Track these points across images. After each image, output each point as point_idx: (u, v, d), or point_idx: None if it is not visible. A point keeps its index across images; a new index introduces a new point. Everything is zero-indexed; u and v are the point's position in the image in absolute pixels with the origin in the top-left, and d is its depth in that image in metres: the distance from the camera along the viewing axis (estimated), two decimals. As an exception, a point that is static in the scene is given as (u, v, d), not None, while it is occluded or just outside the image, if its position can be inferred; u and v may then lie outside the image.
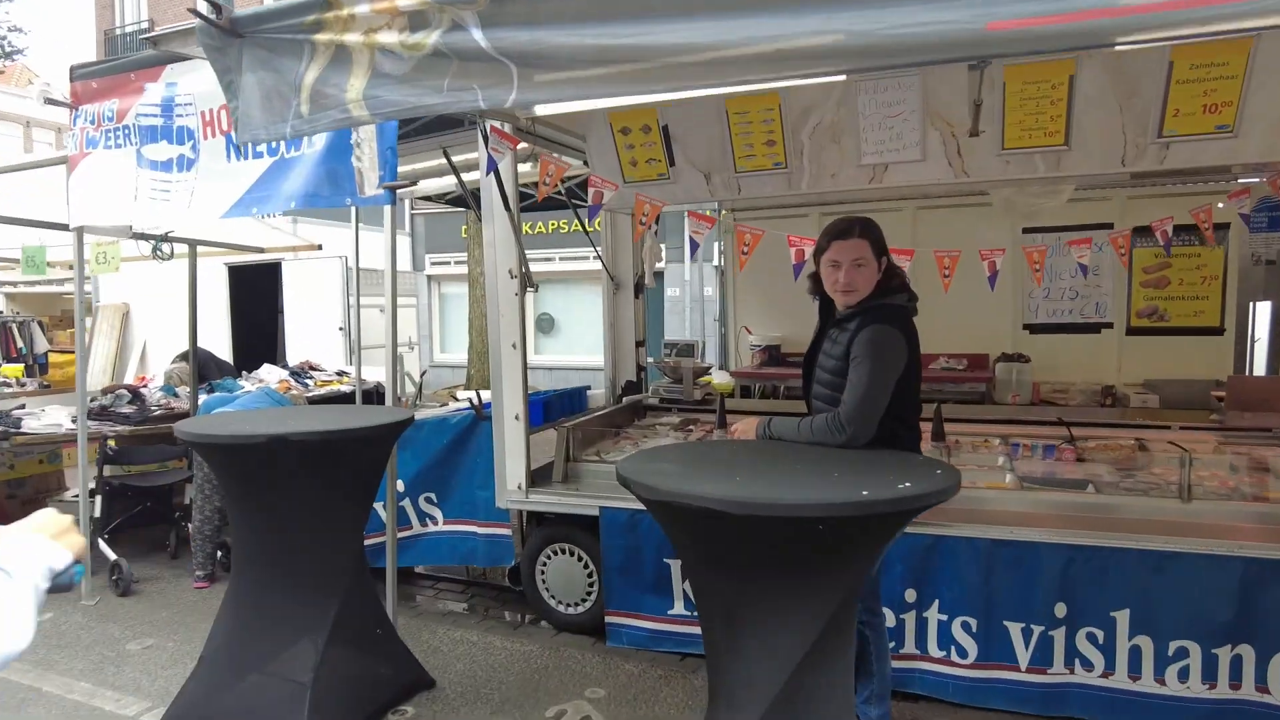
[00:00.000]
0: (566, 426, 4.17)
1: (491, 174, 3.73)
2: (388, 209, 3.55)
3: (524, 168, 4.78)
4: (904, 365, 2.45)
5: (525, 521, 4.29)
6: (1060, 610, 3.15)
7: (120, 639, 4.08)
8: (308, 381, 7.24)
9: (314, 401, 6.87)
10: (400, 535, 4.61)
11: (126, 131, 4.21)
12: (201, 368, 7.71)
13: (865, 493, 1.72)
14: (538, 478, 4.10)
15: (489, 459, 4.24)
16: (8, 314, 13.20)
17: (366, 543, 4.58)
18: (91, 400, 5.80)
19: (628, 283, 5.49)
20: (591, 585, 4.02)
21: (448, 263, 15.63)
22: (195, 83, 3.92)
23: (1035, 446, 4.12)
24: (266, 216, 8.71)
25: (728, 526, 1.74)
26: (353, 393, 6.68)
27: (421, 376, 8.18)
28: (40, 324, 12.23)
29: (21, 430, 4.85)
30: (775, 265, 7.12)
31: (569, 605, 4.10)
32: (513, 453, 4.05)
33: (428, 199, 6.69)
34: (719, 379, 5.93)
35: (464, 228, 14.81)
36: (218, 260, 8.82)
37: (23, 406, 5.40)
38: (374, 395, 8.01)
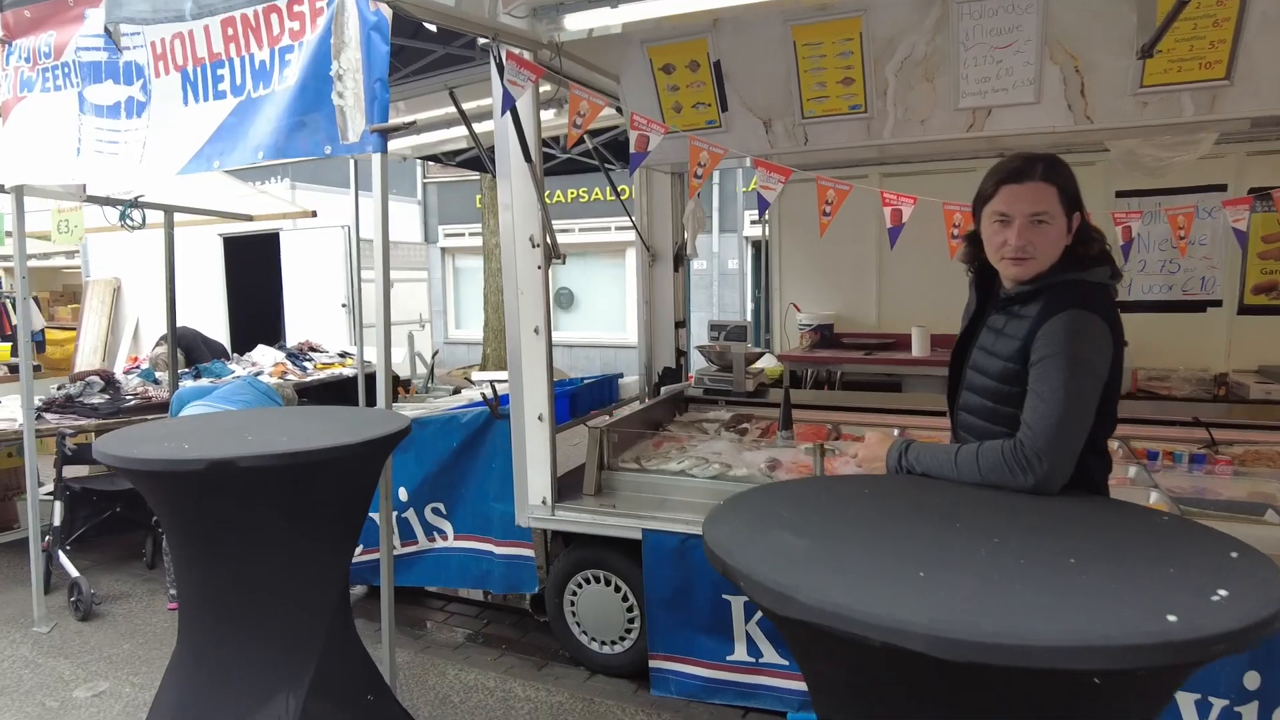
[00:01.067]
0: (600, 428, 3.44)
1: (508, 113, 2.96)
2: (376, 159, 2.79)
3: (546, 116, 4.01)
4: (1109, 368, 1.69)
5: (550, 541, 3.58)
6: (1252, 681, 2.41)
7: (69, 681, 3.42)
8: (306, 365, 6.55)
9: (308, 390, 6.19)
10: (404, 551, 3.93)
11: (66, 70, 3.48)
12: (189, 350, 7.05)
13: (1173, 617, 0.97)
14: (565, 488, 3.39)
15: (506, 465, 3.53)
16: (5, 289, 12.62)
17: (364, 558, 3.93)
18: (59, 388, 5.14)
19: (666, 254, 4.72)
20: (632, 621, 3.32)
21: (462, 234, 14.90)
22: (142, 5, 3.16)
23: (1178, 456, 3.33)
24: (261, 182, 7.96)
25: (923, 669, 0.99)
26: (355, 377, 6.00)
27: (433, 358, 7.46)
28: (36, 300, 11.63)
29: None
30: (829, 232, 6.39)
31: (604, 644, 3.39)
32: (535, 460, 3.33)
33: (434, 159, 5.92)
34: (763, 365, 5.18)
35: (479, 196, 14.06)
36: (211, 231, 8.12)
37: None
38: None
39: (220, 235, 8.52)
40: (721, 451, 3.45)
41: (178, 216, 5.69)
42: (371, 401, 5.88)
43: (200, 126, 3.11)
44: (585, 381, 4.50)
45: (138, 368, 6.74)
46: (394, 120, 2.77)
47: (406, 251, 9.60)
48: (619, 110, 4.24)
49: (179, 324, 7.32)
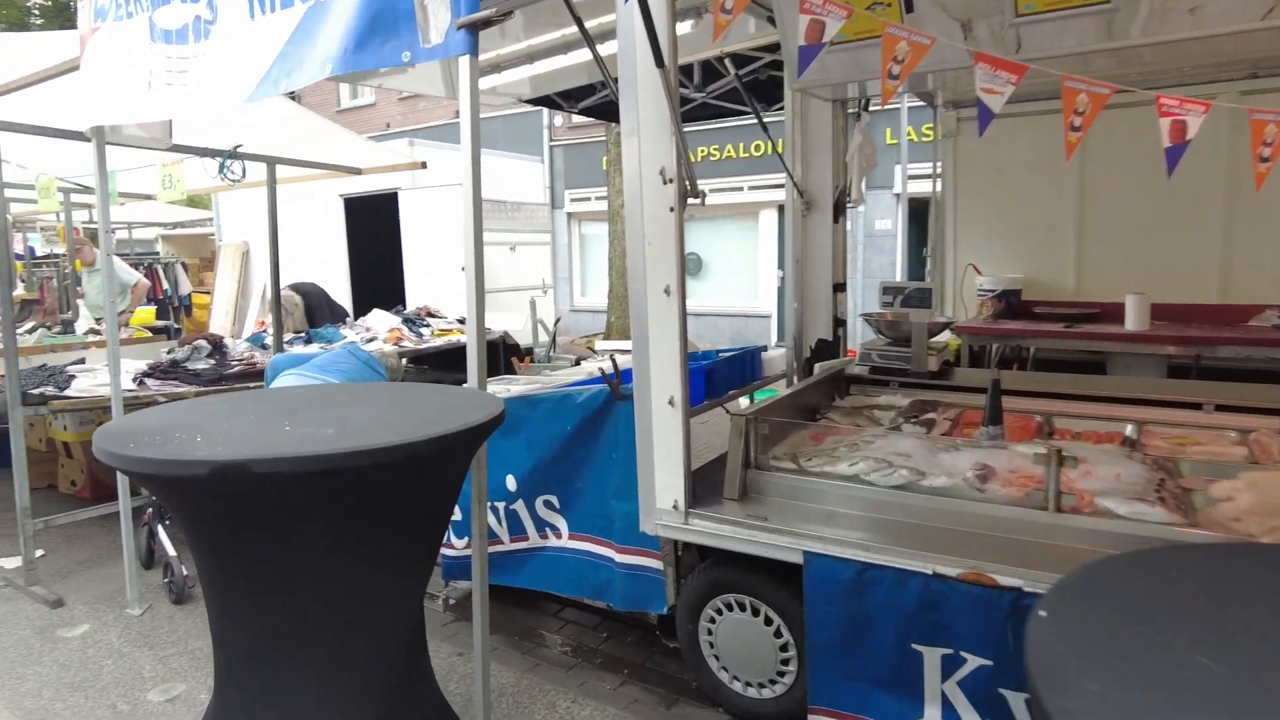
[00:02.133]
0: (746, 416, 2.70)
1: (634, 2, 2.24)
2: (464, 64, 2.14)
3: (682, 29, 3.27)
4: None
5: (682, 551, 2.90)
6: None
7: (147, 679, 3.07)
8: (423, 330, 6.15)
9: (425, 358, 5.78)
10: (513, 547, 3.37)
11: (136, -8, 3.03)
12: (313, 309, 6.84)
13: None
14: (701, 488, 2.70)
15: (629, 456, 2.87)
16: (164, 255, 13.20)
17: (468, 552, 3.40)
18: (168, 352, 4.91)
19: (823, 201, 3.89)
20: (787, 662, 2.60)
21: (588, 198, 14.39)
22: (204, -101, 2.65)
23: None
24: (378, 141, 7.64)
25: None
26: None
27: (555, 325, 6.93)
28: (184, 265, 12.06)
29: (63, 394, 3.93)
30: (1015, 177, 5.33)
31: (751, 685, 2.69)
32: (665, 454, 2.65)
33: (555, 105, 5.27)
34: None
35: (605, 158, 13.47)
36: (333, 191, 7.90)
37: (82, 361, 4.55)
38: (499, 346, 6.88)
39: (341, 196, 8.30)
40: (907, 451, 2.64)
41: (293, 172, 5.36)
42: (493, 372, 5.43)
43: (267, 44, 2.57)
44: (722, 355, 3.77)
45: (265, 330, 6.58)
46: (483, 12, 2.10)
47: (530, 213, 9.12)
48: (771, 21, 3.44)
49: (309, 282, 7.18)
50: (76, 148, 5.43)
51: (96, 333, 5.74)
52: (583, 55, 3.80)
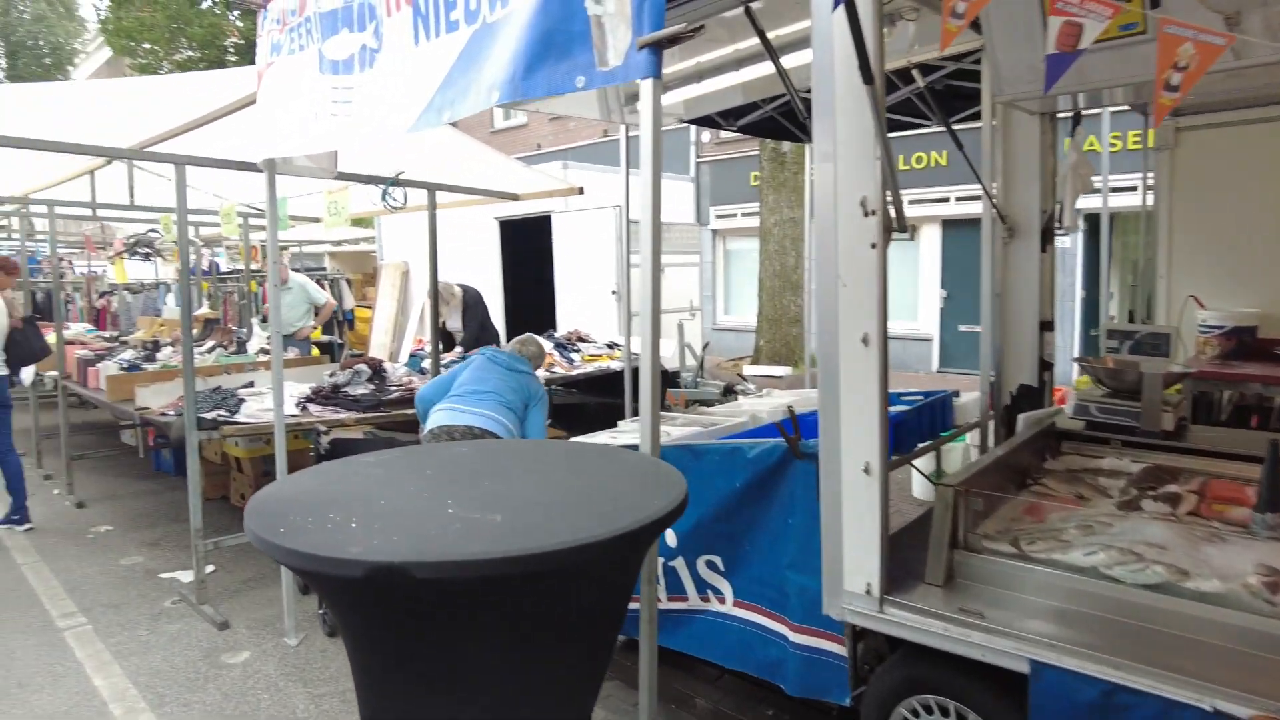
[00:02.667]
0: (956, 488, 2.30)
1: (838, 9, 1.92)
2: (645, 89, 1.89)
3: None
4: None
5: (864, 636, 2.52)
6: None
7: (300, 719, 3.01)
8: (573, 356, 6.03)
9: (575, 384, 5.64)
10: (670, 606, 3.10)
11: (308, 25, 3.01)
12: (468, 308, 6.89)
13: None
14: (895, 567, 2.31)
15: (810, 525, 2.54)
16: (330, 271, 14.01)
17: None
18: (330, 375, 5.00)
19: (1028, 226, 3.39)
20: (1000, 787, 2.16)
21: (734, 214, 14.07)
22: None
23: None
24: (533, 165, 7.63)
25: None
26: (622, 371, 5.35)
27: (704, 350, 6.65)
28: (348, 281, 12.69)
29: (233, 420, 4.02)
30: (1248, 194, 4.55)
31: (951, 806, 2.27)
32: (857, 529, 2.29)
33: (712, 124, 4.99)
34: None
35: (754, 174, 13.12)
36: (489, 211, 7.99)
37: (251, 384, 4.68)
38: (647, 373, 6.66)
39: (496, 218, 8.39)
40: (1160, 541, 2.15)
41: (451, 197, 5.37)
42: (635, 398, 5.21)
43: (431, 71, 2.44)
44: (905, 400, 3.35)
45: (423, 349, 6.69)
46: (670, 28, 1.84)
47: (679, 234, 8.92)
48: (976, 27, 3.02)
49: (472, 286, 7.25)
50: (255, 176, 5.72)
51: (267, 352, 5.99)
52: (754, 71, 3.51)
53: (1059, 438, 3.21)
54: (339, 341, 10.21)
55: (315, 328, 7.97)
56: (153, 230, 7.86)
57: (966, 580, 2.30)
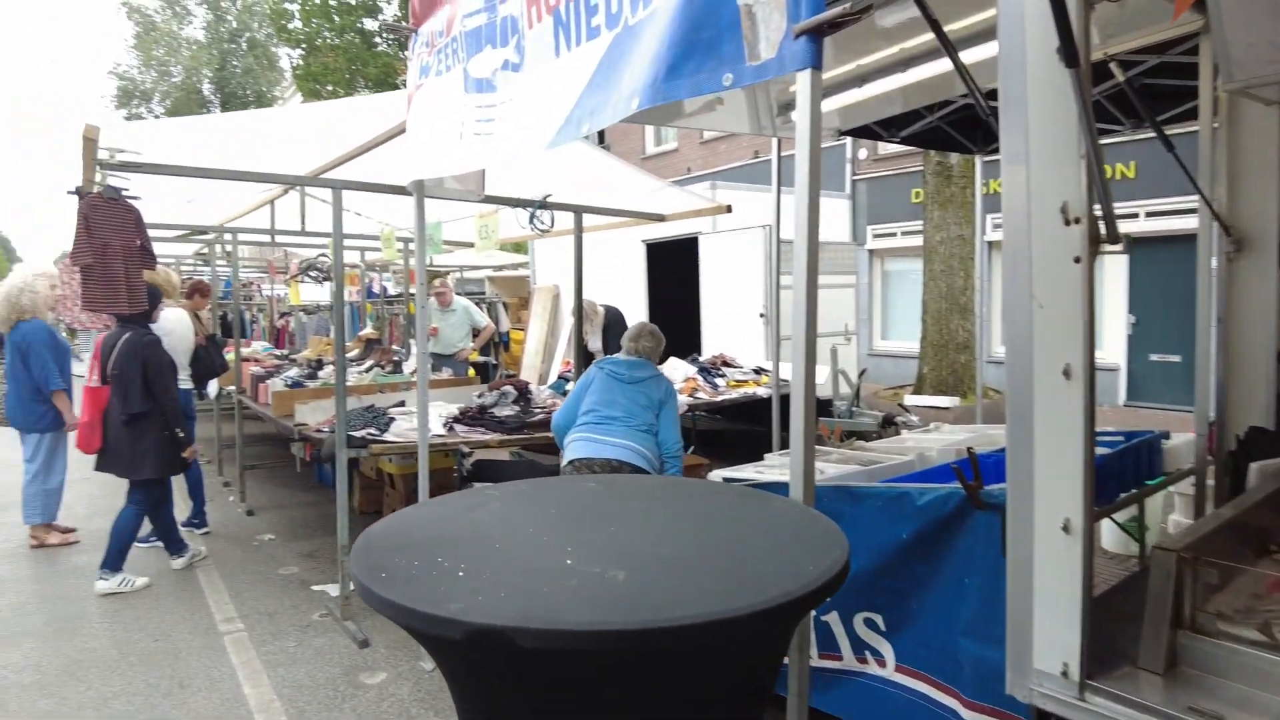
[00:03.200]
0: (1179, 553, 1.87)
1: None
2: (803, 82, 1.65)
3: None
4: None
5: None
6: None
7: (429, 756, 2.93)
8: (718, 381, 5.80)
9: (719, 409, 5.40)
10: (822, 664, 2.78)
11: (454, 45, 2.99)
12: (609, 327, 6.83)
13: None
14: (1097, 643, 1.90)
15: (991, 586, 2.19)
16: (489, 295, 14.57)
17: None
18: (478, 396, 5.03)
19: (1263, 239, 2.84)
20: None
21: (893, 233, 13.40)
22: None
23: None
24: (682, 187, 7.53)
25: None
26: (769, 398, 5.07)
27: (860, 377, 6.23)
28: (505, 304, 13.11)
29: (382, 438, 4.08)
30: None
31: None
32: (1052, 598, 1.91)
33: (872, 135, 4.64)
34: None
35: (915, 190, 12.44)
36: (636, 234, 7.94)
37: (403, 404, 4.77)
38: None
39: (643, 241, 8.33)
40: None
41: (597, 220, 5.32)
42: (783, 428, 4.89)
43: (571, 82, 2.31)
44: (1103, 440, 2.88)
45: (568, 372, 6.69)
46: (832, 11, 1.60)
47: (834, 253, 8.49)
48: (1201, 6, 2.56)
49: (615, 306, 7.22)
50: (410, 201, 5.92)
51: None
52: (922, 72, 3.17)
53: (1307, 492, 2.63)
54: (493, 363, 10.51)
55: (474, 349, 8.20)
56: (322, 255, 8.39)
57: (1193, 669, 1.87)
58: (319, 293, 13.00)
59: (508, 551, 1.34)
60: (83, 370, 4.56)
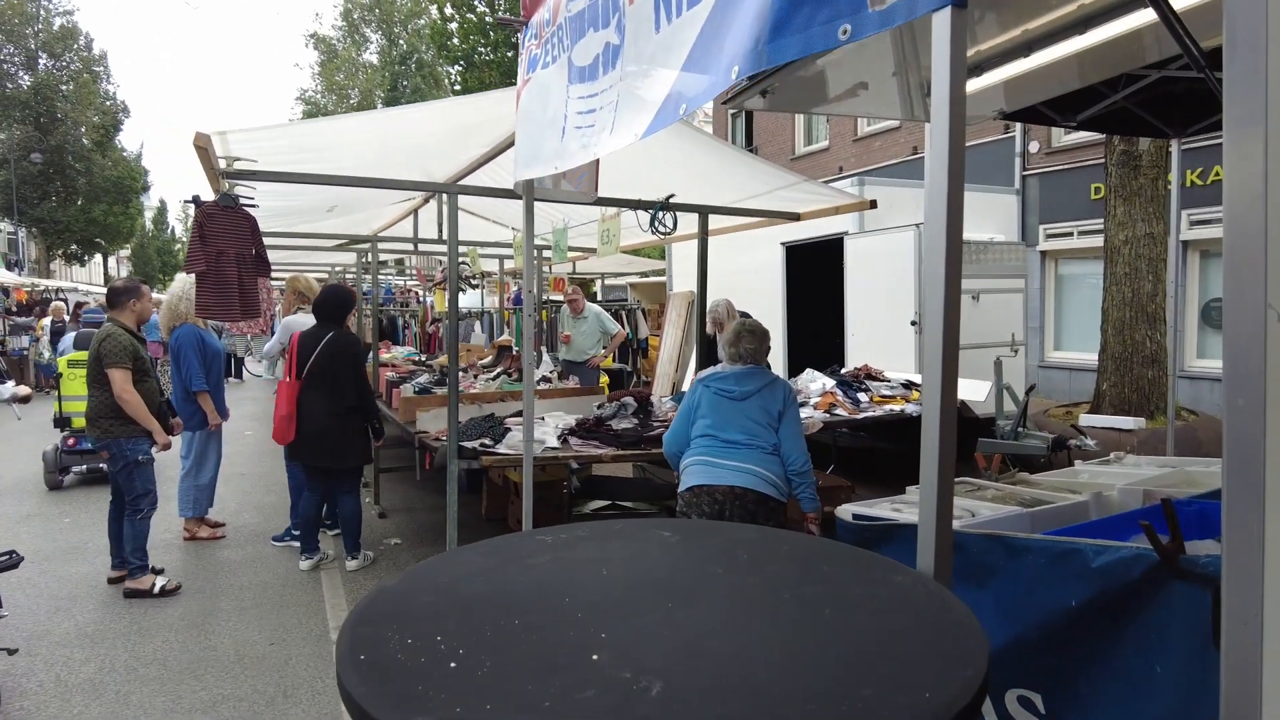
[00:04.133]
0: None
1: None
2: (942, 22, 1.27)
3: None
4: None
5: None
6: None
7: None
8: (860, 396, 5.30)
9: (862, 427, 4.92)
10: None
11: (559, 34, 2.77)
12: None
13: None
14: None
15: (1188, 672, 1.69)
16: (630, 301, 14.55)
17: None
18: (598, 406, 4.83)
19: None
20: None
21: (1069, 233, 12.13)
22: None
23: None
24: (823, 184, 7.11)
25: None
26: (918, 416, 4.53)
27: (1027, 394, 5.52)
28: (644, 311, 13.00)
29: (493, 450, 3.94)
30: None
31: None
32: (1290, 715, 1.40)
33: (1041, 118, 4.02)
34: None
35: (1095, 185, 11.20)
36: (774, 236, 7.52)
37: (520, 414, 4.63)
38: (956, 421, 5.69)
39: (782, 243, 7.88)
40: None
41: (725, 221, 5.00)
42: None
43: (672, 57, 2.01)
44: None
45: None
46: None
47: (999, 253, 7.68)
48: None
49: (750, 316, 6.86)
50: (554, 207, 5.81)
51: (548, 380, 6.07)
52: (1106, 32, 2.62)
53: None
54: (628, 370, 10.36)
55: (606, 356, 8.08)
56: (463, 262, 8.53)
57: None
58: (474, 299, 13.44)
59: (525, 634, 1.05)
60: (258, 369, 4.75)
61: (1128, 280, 7.45)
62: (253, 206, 3.55)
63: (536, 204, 6.04)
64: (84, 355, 8.29)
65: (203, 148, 2.94)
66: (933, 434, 1.32)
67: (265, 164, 3.59)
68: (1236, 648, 1.48)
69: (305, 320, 5.07)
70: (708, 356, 5.90)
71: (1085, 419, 6.68)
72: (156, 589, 4.36)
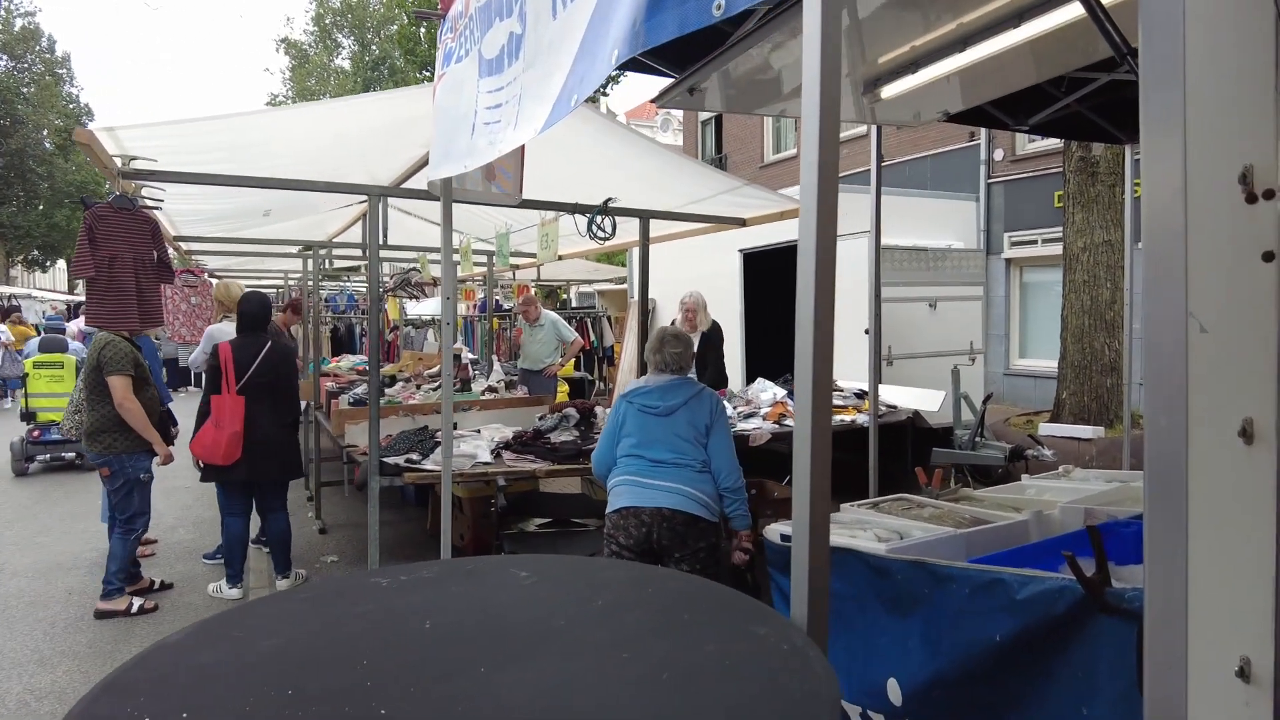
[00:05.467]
0: None
1: None
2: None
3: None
4: None
5: None
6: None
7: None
8: (813, 405, 5.15)
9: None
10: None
11: (471, 26, 2.61)
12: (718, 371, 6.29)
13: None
14: None
15: (1120, 711, 1.54)
16: (596, 309, 14.38)
17: None
18: (540, 418, 4.65)
19: None
20: None
21: (1033, 240, 12.13)
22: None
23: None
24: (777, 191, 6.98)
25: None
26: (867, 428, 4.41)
27: (984, 404, 5.43)
28: (608, 318, 12.84)
29: (418, 466, 3.75)
30: None
31: None
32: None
33: (999, 124, 3.91)
34: None
35: (1058, 193, 11.22)
36: (731, 243, 7.38)
37: (454, 426, 4.44)
38: (907, 430, 5.58)
39: (740, 250, 7.75)
40: None
41: (674, 227, 4.84)
42: (885, 476, 4.21)
43: (567, 43, 1.85)
44: None
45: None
46: None
47: (957, 261, 7.60)
48: None
49: (718, 331, 6.69)
50: (508, 212, 5.60)
51: (494, 390, 5.87)
52: (1041, 25, 2.50)
53: None
54: (589, 378, 10.18)
55: (564, 364, 7.90)
56: (414, 269, 8.31)
57: None
58: (435, 306, 13.18)
59: (291, 709, 0.87)
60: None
61: (1086, 288, 7.41)
62: (154, 208, 3.34)
63: (482, 208, 5.84)
64: (52, 357, 8.22)
65: (87, 144, 2.72)
66: (804, 463, 1.16)
67: (184, 163, 3.40)
68: (1158, 699, 1.34)
69: (228, 329, 4.84)
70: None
71: (1044, 428, 6.60)
72: (134, 609, 4.23)
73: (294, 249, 7.73)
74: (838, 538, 2.32)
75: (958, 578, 1.89)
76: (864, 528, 2.39)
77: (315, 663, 0.98)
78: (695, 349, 6.23)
